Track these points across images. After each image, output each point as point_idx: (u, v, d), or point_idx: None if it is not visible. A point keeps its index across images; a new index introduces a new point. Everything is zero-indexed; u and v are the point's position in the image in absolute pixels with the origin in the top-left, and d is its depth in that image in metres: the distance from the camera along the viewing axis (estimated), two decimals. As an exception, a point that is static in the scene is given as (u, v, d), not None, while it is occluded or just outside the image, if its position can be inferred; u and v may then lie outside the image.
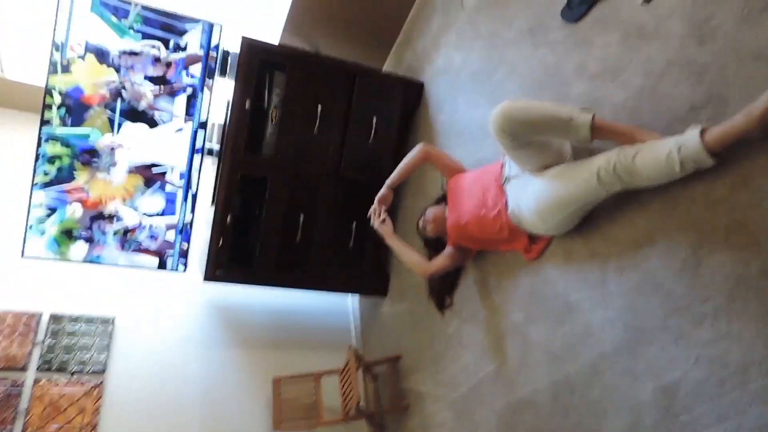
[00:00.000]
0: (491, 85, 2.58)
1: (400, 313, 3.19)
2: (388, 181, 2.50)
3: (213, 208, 3.05)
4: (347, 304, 3.81)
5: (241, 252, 3.05)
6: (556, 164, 1.87)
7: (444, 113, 3.00)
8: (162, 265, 3.04)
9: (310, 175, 3.10)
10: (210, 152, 3.17)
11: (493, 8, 2.66)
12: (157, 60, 2.93)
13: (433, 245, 2.64)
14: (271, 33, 3.55)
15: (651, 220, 1.64)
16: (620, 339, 1.68)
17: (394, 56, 3.73)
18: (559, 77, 2.13)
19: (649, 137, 1.60)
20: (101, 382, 3.04)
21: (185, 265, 3.10)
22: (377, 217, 2.47)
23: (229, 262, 3.00)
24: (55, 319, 3.14)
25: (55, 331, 3.12)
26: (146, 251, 3.00)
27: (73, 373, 3.05)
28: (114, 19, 2.83)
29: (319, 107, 3.02)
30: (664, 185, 1.56)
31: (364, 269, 3.29)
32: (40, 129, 2.78)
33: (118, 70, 2.87)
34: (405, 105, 3.23)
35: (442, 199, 2.64)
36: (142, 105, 2.93)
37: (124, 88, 2.88)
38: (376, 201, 2.49)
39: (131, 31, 2.87)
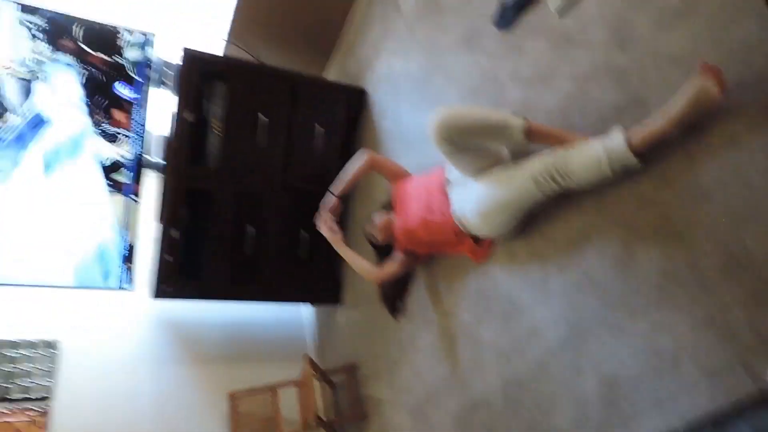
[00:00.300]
0: (431, 91, 2.63)
1: (355, 321, 3.19)
2: (335, 191, 2.50)
3: (159, 224, 2.98)
4: (301, 313, 3.79)
5: (190, 267, 2.99)
6: (495, 167, 1.92)
7: (387, 119, 3.03)
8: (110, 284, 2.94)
9: (257, 186, 3.07)
10: (153, 166, 3.09)
11: (430, 16, 2.71)
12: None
13: (383, 251, 2.65)
14: (213, 44, 3.50)
15: (586, 219, 1.71)
16: (564, 335, 1.74)
17: (336, 64, 3.74)
18: (495, 83, 2.18)
19: (581, 140, 1.66)
20: (46, 410, 2.92)
21: (132, 282, 3.01)
22: (324, 224, 2.47)
23: (178, 277, 2.93)
24: (-7, 347, 3.00)
25: (-6, 359, 2.97)
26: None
27: (15, 402, 2.91)
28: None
29: (262, 117, 3.00)
30: (596, 186, 1.63)
31: (316, 278, 3.28)
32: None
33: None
34: (348, 112, 3.24)
35: (389, 205, 2.67)
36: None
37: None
38: (321, 207, 2.49)
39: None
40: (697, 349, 1.36)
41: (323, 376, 3.15)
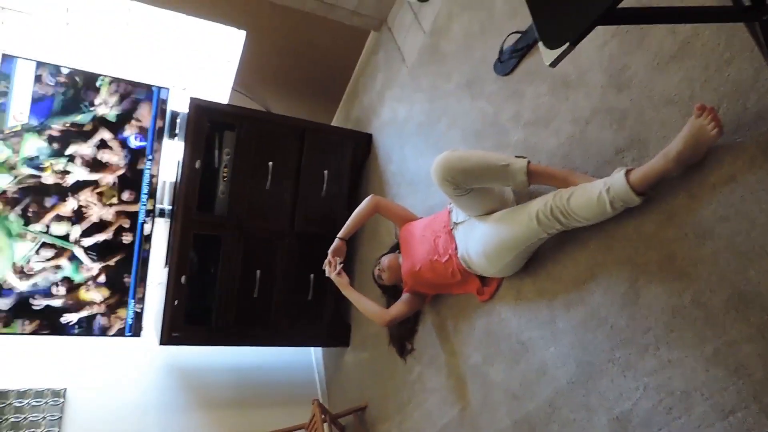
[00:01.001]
0: (435, 135, 2.69)
1: (363, 363, 3.18)
2: (340, 233, 2.54)
3: (166, 269, 3.01)
4: (310, 356, 3.77)
5: (198, 312, 3.00)
6: (499, 209, 1.96)
7: (393, 163, 3.09)
8: (118, 332, 2.95)
9: (265, 231, 3.12)
10: (162, 213, 3.15)
11: (432, 64, 2.81)
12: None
13: (391, 292, 2.67)
14: (220, 93, 3.61)
15: (591, 257, 1.73)
16: (573, 374, 1.73)
17: (342, 110, 3.84)
18: (497, 126, 2.25)
19: (582, 180, 1.70)
20: (52, 461, 2.88)
21: (140, 329, 3.01)
22: (332, 269, 2.49)
23: (185, 323, 2.94)
24: (0, 395, 2.98)
25: (1, 408, 2.95)
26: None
27: (20, 454, 2.88)
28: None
29: (270, 164, 3.07)
30: (599, 224, 1.66)
31: (324, 321, 3.28)
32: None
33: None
34: (355, 157, 3.32)
35: (396, 248, 2.70)
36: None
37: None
38: (329, 253, 2.52)
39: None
40: (708, 385, 1.36)
41: (332, 419, 3.10)
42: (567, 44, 0.91)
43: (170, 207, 3.14)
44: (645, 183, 1.50)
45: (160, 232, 3.22)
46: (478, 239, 1.96)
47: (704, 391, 1.37)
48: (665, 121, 1.56)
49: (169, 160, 3.18)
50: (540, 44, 0.96)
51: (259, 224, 3.09)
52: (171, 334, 2.91)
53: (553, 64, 0.96)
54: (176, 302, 2.89)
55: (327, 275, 2.51)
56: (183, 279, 2.92)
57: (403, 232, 2.49)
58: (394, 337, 2.70)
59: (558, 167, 1.84)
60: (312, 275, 3.21)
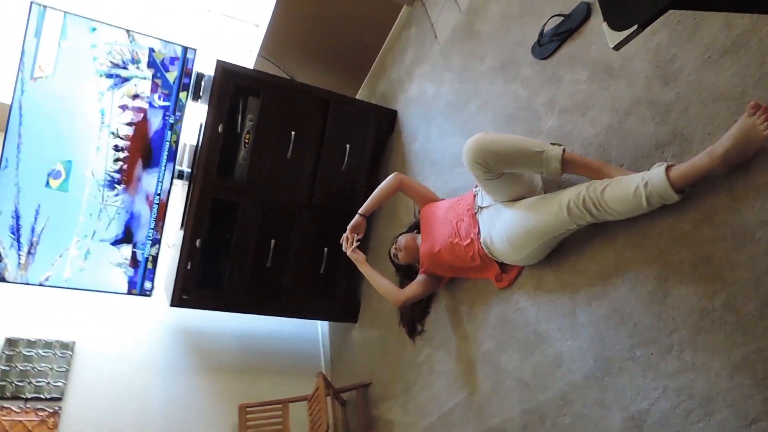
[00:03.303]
0: (464, 117, 2.64)
1: (371, 340, 3.17)
2: (361, 209, 2.51)
3: (182, 232, 3.00)
4: (317, 329, 3.77)
5: (210, 277, 3.00)
6: (527, 196, 1.92)
7: (417, 142, 3.04)
8: (130, 289, 2.96)
9: (282, 201, 3.09)
10: (180, 175, 3.13)
11: (465, 43, 2.74)
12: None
13: (405, 272, 2.65)
14: (246, 58, 3.56)
15: (619, 253, 1.69)
16: (589, 369, 1.70)
17: (368, 85, 3.78)
18: (530, 111, 2.19)
19: (618, 173, 1.65)
20: (58, 410, 2.92)
21: (152, 289, 3.02)
22: (350, 245, 2.47)
23: (196, 287, 2.94)
24: (11, 342, 3.01)
25: (10, 356, 2.99)
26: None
27: (27, 401, 2.92)
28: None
29: (293, 133, 3.03)
30: (631, 219, 1.61)
31: (335, 295, 3.27)
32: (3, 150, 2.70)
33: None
34: (378, 133, 3.27)
35: (415, 227, 2.66)
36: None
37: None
38: (348, 229, 2.49)
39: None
40: (733, 392, 1.33)
41: (335, 394, 3.11)
42: (635, 27, 0.85)
43: (189, 170, 3.11)
44: (686, 180, 1.45)
45: (177, 194, 3.21)
46: (503, 225, 1.92)
47: (728, 397, 1.34)
48: (712, 117, 1.50)
49: (192, 122, 3.16)
50: (604, 25, 0.91)
51: (277, 193, 3.07)
52: (182, 297, 2.92)
53: (618, 46, 0.91)
54: (189, 265, 2.89)
55: (344, 250, 2.49)
56: (198, 243, 2.91)
57: (424, 212, 2.45)
58: (405, 317, 2.68)
59: (593, 158, 1.79)
60: (326, 249, 3.19)
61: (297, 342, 3.64)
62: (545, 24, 2.13)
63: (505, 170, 1.80)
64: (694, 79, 1.57)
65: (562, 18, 2.08)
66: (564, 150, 1.71)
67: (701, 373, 1.40)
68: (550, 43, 2.12)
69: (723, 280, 1.39)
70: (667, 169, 1.47)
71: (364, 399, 3.06)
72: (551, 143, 1.75)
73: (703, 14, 1.58)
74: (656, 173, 1.49)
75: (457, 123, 2.70)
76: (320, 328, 3.78)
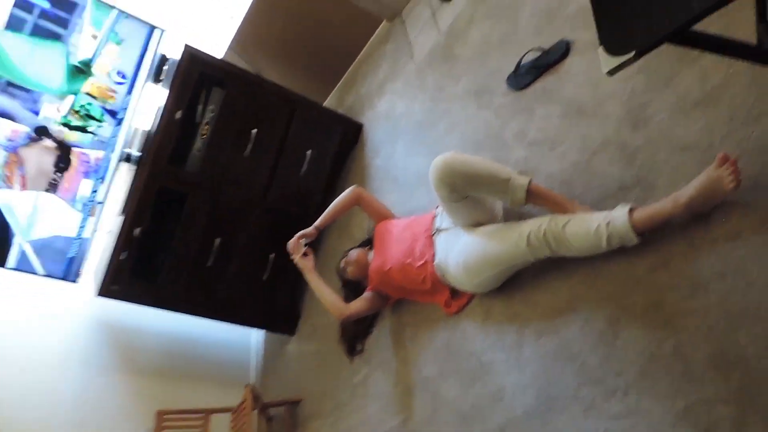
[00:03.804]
0: (431, 137, 2.61)
1: (307, 355, 3.05)
2: (317, 222, 2.44)
3: (121, 218, 2.82)
4: (251, 337, 3.61)
5: (145, 270, 2.82)
6: (487, 223, 1.89)
7: (380, 158, 3.00)
8: (51, 273, 2.74)
9: (234, 199, 2.96)
10: (128, 158, 2.95)
11: (442, 64, 2.73)
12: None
13: (352, 288, 2.56)
14: (216, 49, 3.44)
15: (573, 290, 1.67)
16: (531, 405, 1.66)
17: (338, 93, 3.72)
18: (499, 140, 2.18)
19: (580, 210, 1.65)
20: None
21: (78, 274, 2.81)
22: (298, 250, 2.37)
23: (129, 278, 2.75)
24: None
25: None
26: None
27: None
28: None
29: (254, 131, 2.93)
30: (588, 257, 1.60)
31: (275, 304, 3.15)
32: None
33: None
34: (342, 143, 3.21)
35: (367, 243, 2.60)
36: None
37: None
38: (297, 235, 2.40)
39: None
40: (673, 441, 1.31)
41: (263, 408, 2.96)
42: (632, 53, 0.83)
43: (138, 154, 2.94)
44: (647, 224, 1.45)
45: (122, 177, 3.02)
46: (460, 249, 1.88)
47: (667, 446, 1.33)
48: (678, 166, 1.52)
49: (147, 106, 3.00)
50: (600, 49, 0.89)
51: (230, 190, 2.94)
52: (110, 287, 2.72)
53: (612, 72, 0.89)
54: (124, 254, 2.71)
55: (291, 256, 2.39)
56: (137, 231, 2.74)
57: (379, 229, 2.39)
58: (346, 334, 2.59)
59: (557, 192, 1.78)
60: (273, 255, 3.08)
61: (228, 349, 3.46)
62: (524, 56, 2.15)
63: (470, 193, 1.77)
64: (664, 126, 1.59)
65: (540, 52, 2.10)
66: (531, 180, 1.70)
67: (644, 419, 1.38)
68: (527, 75, 2.13)
69: (673, 327, 1.39)
70: (630, 211, 1.47)
71: (292, 416, 2.92)
72: (519, 172, 1.73)
73: (679, 65, 1.61)
74: (619, 214, 1.48)
75: (423, 143, 2.67)
76: (255, 336, 3.62)
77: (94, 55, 2.74)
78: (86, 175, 2.79)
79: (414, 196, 2.60)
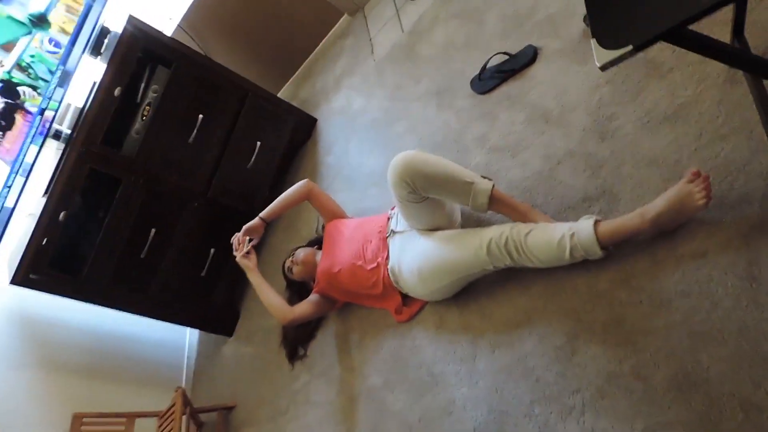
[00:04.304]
0: (388, 137, 2.52)
1: (244, 358, 2.88)
2: (263, 213, 2.28)
3: (44, 200, 2.56)
4: (184, 337, 3.39)
5: (68, 258, 2.58)
6: (445, 228, 1.81)
7: (332, 154, 2.88)
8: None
9: (173, 188, 2.76)
10: (57, 135, 2.70)
11: (403, 62, 2.64)
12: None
13: (297, 289, 2.43)
14: (164, 25, 3.22)
15: (531, 302, 1.61)
16: (482, 421, 1.59)
17: (292, 86, 3.58)
18: (459, 143, 2.11)
19: (542, 219, 1.60)
20: None
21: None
22: (241, 248, 2.21)
23: (49, 267, 2.50)
24: None
25: None
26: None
27: None
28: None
29: (200, 117, 2.74)
30: (549, 269, 1.55)
31: (212, 303, 2.96)
32: None
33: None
34: (293, 137, 3.06)
35: (315, 243, 2.47)
36: None
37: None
38: (242, 230, 2.25)
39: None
40: (628, 464, 1.27)
41: (192, 412, 2.76)
42: (629, 48, 0.77)
43: (69, 132, 2.69)
44: (612, 238, 1.41)
45: (48, 155, 2.76)
46: (416, 254, 1.79)
47: (623, 469, 1.28)
48: (643, 180, 1.49)
49: (83, 81, 2.75)
50: (593, 42, 0.82)
51: (169, 178, 2.74)
52: (28, 275, 2.46)
53: (605, 67, 0.82)
54: (45, 240, 2.45)
55: (234, 253, 2.23)
56: (62, 216, 2.50)
57: (329, 228, 2.27)
58: (288, 338, 2.45)
59: (518, 200, 1.72)
60: (213, 250, 2.89)
61: (158, 349, 3.22)
62: (489, 59, 2.09)
63: (430, 194, 1.68)
64: (630, 140, 1.56)
65: (507, 57, 2.05)
66: (494, 185, 1.63)
67: (599, 440, 1.33)
68: (491, 79, 2.07)
69: (634, 346, 1.35)
70: (596, 223, 1.43)
71: (225, 423, 2.74)
72: (482, 176, 1.66)
73: (648, 79, 1.59)
74: (584, 226, 1.43)
75: (379, 142, 2.57)
76: (188, 336, 3.40)
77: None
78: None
79: (366, 195, 2.50)
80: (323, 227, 2.43)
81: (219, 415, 2.76)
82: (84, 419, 2.61)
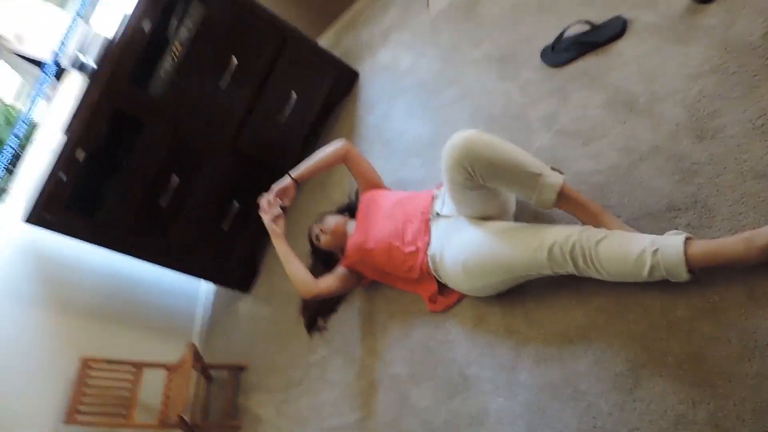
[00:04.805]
0: (438, 102, 2.29)
1: (260, 318, 2.76)
2: (294, 172, 2.08)
3: (63, 136, 2.40)
4: (199, 289, 3.28)
5: (85, 200, 2.44)
6: (496, 218, 1.61)
7: (373, 115, 2.65)
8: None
9: (200, 135, 2.58)
10: (81, 67, 2.51)
11: (462, 21, 2.37)
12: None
13: (322, 258, 2.27)
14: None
15: (591, 317, 1.42)
16: (519, 439, 1.43)
17: (334, 34, 3.32)
18: (520, 120, 1.88)
19: (616, 225, 1.38)
20: None
21: (4, 193, 2.41)
22: (270, 210, 2.03)
23: (66, 208, 2.37)
24: None
25: None
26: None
27: None
28: None
29: (235, 60, 2.52)
30: (618, 283, 1.34)
31: (231, 258, 2.83)
32: None
33: None
34: (332, 91, 2.84)
35: (347, 210, 2.29)
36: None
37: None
38: (272, 190, 2.06)
39: None
40: None
41: (203, 367, 2.68)
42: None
43: (94, 65, 2.50)
44: (705, 261, 1.19)
45: (70, 88, 2.58)
46: (463, 245, 1.59)
47: None
48: (748, 195, 1.26)
49: (113, 11, 2.54)
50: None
51: (196, 124, 2.55)
52: (42, 215, 2.34)
53: None
54: (62, 180, 2.31)
55: (260, 213, 2.06)
56: (81, 155, 2.34)
57: (365, 198, 2.08)
58: (308, 308, 2.31)
59: (585, 197, 1.49)
60: (236, 203, 2.73)
61: (172, 298, 3.12)
62: (567, 28, 1.82)
63: (489, 183, 1.47)
64: (736, 144, 1.32)
65: (589, 27, 1.78)
66: (565, 181, 1.41)
67: (658, 490, 1.16)
68: (567, 51, 1.81)
69: (714, 390, 1.16)
70: (686, 241, 1.21)
71: (235, 382, 2.65)
72: (552, 167, 1.44)
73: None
74: (673, 243, 1.22)
75: (427, 107, 2.34)
76: (204, 288, 3.30)
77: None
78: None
79: (406, 165, 2.29)
80: (357, 194, 2.25)
81: (230, 373, 2.68)
82: (92, 363, 2.54)
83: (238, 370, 2.68)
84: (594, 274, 1.35)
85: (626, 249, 1.28)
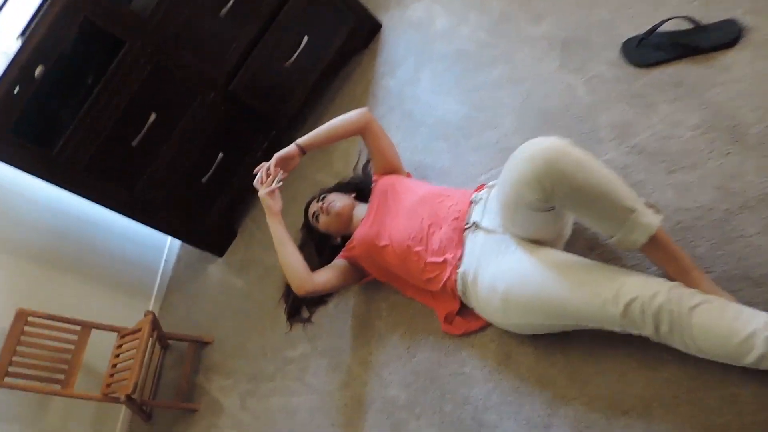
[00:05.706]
0: (477, 81, 1.94)
1: (232, 289, 2.45)
2: (301, 140, 1.74)
3: (18, 43, 1.96)
4: (165, 243, 2.92)
5: (40, 129, 2.03)
6: (549, 242, 1.32)
7: (395, 78, 2.29)
8: None
9: (188, 68, 2.18)
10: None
11: (521, -13, 2.00)
12: None
13: (316, 239, 1.95)
14: None
15: (656, 389, 1.17)
16: None
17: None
18: (584, 122, 1.57)
19: (710, 288, 1.11)
20: None
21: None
22: (268, 183, 1.69)
23: (15, 135, 1.96)
24: None
25: None
26: None
27: None
28: None
29: (242, -14, 2.10)
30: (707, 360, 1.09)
31: (207, 216, 2.47)
32: None
33: None
34: (348, 40, 2.44)
35: (354, 189, 1.96)
36: None
37: None
38: (275, 158, 1.71)
39: None
40: None
41: (160, 336, 2.36)
42: None
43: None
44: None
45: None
46: (507, 270, 1.30)
47: None
48: None
49: None
50: None
51: (186, 55, 2.15)
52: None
53: None
54: (11, 99, 1.89)
55: (256, 185, 1.71)
56: (38, 71, 1.92)
57: (383, 184, 1.76)
58: (293, 292, 1.99)
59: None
60: (221, 155, 2.36)
61: (134, 249, 2.75)
62: (664, 21, 1.49)
63: (567, 209, 1.17)
64: None
65: (692, 26, 1.46)
66: (660, 224, 1.12)
67: None
68: (659, 50, 1.49)
69: None
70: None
71: (195, 357, 2.36)
72: (647, 204, 1.14)
73: None
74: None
75: (462, 83, 2.00)
76: (170, 243, 2.93)
77: None
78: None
79: (429, 148, 1.97)
80: (364, 168, 1.95)
81: (190, 346, 2.38)
82: (30, 318, 2.19)
83: (200, 344, 2.39)
84: (677, 345, 1.08)
85: (730, 326, 1.01)
